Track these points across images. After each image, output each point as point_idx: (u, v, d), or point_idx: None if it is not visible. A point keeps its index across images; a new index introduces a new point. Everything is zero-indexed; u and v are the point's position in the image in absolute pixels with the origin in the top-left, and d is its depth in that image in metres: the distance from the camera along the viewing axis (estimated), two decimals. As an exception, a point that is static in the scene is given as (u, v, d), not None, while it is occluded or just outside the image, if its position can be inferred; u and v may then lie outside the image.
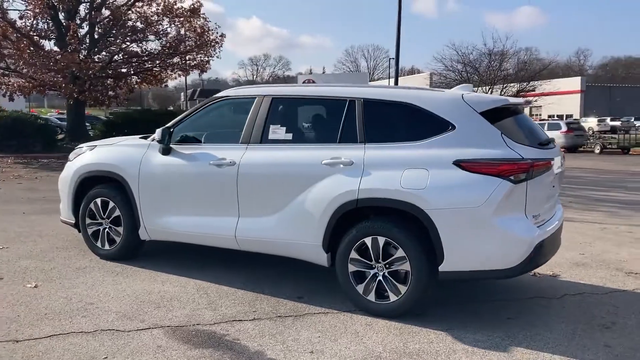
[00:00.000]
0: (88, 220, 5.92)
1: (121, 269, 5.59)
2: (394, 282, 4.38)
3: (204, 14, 22.17)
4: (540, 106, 41.73)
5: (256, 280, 5.33)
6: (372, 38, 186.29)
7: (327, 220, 4.57)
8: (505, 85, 37.09)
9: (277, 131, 4.96)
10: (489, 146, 4.21)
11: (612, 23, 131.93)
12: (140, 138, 5.97)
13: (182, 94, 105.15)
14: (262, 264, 5.74)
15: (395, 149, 4.44)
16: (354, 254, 4.52)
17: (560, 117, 61.29)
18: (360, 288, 4.51)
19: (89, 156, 5.94)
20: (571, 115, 63.95)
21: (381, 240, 4.39)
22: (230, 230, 5.08)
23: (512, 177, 4.09)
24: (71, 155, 6.27)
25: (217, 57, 23.27)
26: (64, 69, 18.72)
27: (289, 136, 4.92)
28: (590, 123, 44.02)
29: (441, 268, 4.23)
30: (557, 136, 28.86)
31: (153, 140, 5.57)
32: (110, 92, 21.52)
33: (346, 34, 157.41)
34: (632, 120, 58.45)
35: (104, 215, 5.81)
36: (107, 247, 5.84)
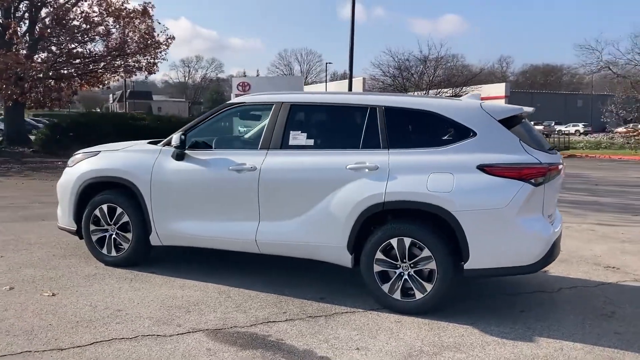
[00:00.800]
0: (92, 227, 5.84)
1: (133, 275, 5.56)
2: (420, 280, 4.62)
3: (153, 15, 21.79)
4: None
5: (273, 282, 5.44)
6: (305, 42, 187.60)
7: (352, 223, 4.76)
8: (439, 91, 38.25)
9: (298, 137, 5.11)
10: (509, 152, 4.54)
11: (531, 32, 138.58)
12: (148, 143, 5.95)
13: (111, 95, 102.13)
14: (275, 266, 5.86)
15: (419, 155, 4.69)
16: (379, 255, 4.73)
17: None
18: (385, 287, 4.73)
19: (93, 162, 5.86)
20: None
21: (407, 241, 4.63)
22: (250, 234, 5.17)
23: (532, 181, 4.43)
24: (70, 162, 6.17)
25: (164, 59, 22.91)
26: (6, 70, 17.90)
27: (310, 142, 5.08)
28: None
29: (466, 266, 4.52)
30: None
31: (164, 145, 5.59)
32: (54, 94, 20.71)
33: (277, 37, 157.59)
34: (553, 124, 61.81)
35: (111, 221, 5.75)
36: (113, 253, 5.79)
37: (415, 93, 39.24)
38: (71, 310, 4.58)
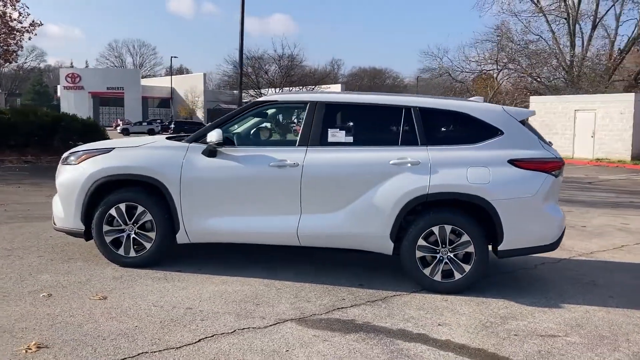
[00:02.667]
0: (106, 228, 5.57)
1: (162, 274, 5.43)
2: (459, 262, 5.22)
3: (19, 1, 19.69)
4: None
5: (304, 273, 5.68)
6: (134, 33, 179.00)
7: (397, 213, 5.21)
8: (290, 89, 39.36)
9: (337, 134, 5.42)
10: (531, 148, 5.31)
11: (357, 37, 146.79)
12: (167, 139, 5.82)
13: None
14: (292, 258, 6.08)
15: (456, 151, 5.28)
16: (421, 242, 5.23)
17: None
18: (427, 271, 5.25)
19: (108, 159, 5.58)
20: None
21: (448, 228, 5.20)
22: (291, 228, 5.37)
23: (553, 173, 5.25)
24: (71, 160, 5.80)
25: (20, 47, 20.83)
26: None
27: (350, 139, 5.42)
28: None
29: (500, 247, 5.21)
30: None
31: (192, 142, 5.55)
32: None
33: (100, 28, 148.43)
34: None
35: (130, 220, 5.55)
36: (132, 254, 5.58)
37: (268, 90, 39.96)
38: (142, 312, 4.45)
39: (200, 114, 73.58)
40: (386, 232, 5.26)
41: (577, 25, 37.82)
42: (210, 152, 5.42)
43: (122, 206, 5.53)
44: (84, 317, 4.31)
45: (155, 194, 5.52)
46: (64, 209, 5.68)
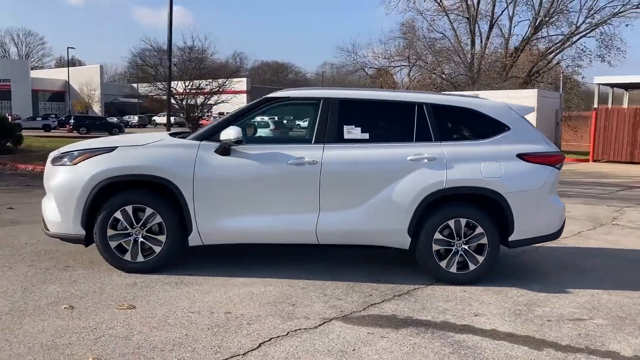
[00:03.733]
0: (111, 232, 5.22)
1: (175, 279, 5.18)
2: (473, 254, 5.40)
3: None
4: (212, 105, 42.90)
5: (319, 271, 5.63)
6: (20, 21, 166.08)
7: (414, 208, 5.31)
8: (210, 81, 38.31)
9: (352, 131, 5.42)
10: (536, 142, 5.58)
11: (260, 31, 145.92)
12: (170, 135, 5.54)
13: None
14: (300, 257, 6.01)
15: (468, 146, 5.45)
16: (437, 235, 5.37)
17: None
18: (443, 263, 5.39)
19: (112, 159, 5.21)
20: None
21: (463, 221, 5.36)
22: (310, 226, 5.31)
23: (557, 166, 5.56)
24: (53, 161, 5.39)
25: None
26: None
27: (365, 136, 5.43)
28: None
29: (511, 238, 5.45)
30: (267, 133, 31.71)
31: (202, 139, 5.33)
32: None
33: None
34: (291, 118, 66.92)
35: (137, 223, 5.24)
36: (140, 259, 5.27)
37: (179, 83, 38.65)
38: (182, 320, 4.24)
39: (97, 108, 70.12)
40: (404, 227, 5.34)
41: (476, 25, 39.91)
42: (224, 150, 5.23)
43: (129, 209, 5.22)
44: (124, 328, 4.03)
45: (165, 195, 5.25)
46: (60, 213, 5.25)
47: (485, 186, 5.33)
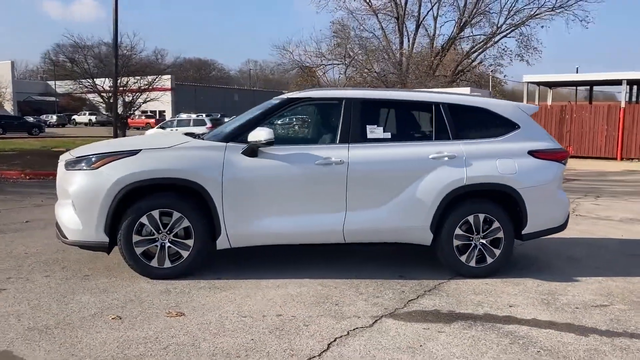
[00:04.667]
0: (136, 238, 5.05)
1: (206, 283, 5.09)
2: (491, 247, 5.64)
3: None
4: (141, 103, 41.49)
5: (346, 270, 5.68)
6: None
7: (437, 205, 5.47)
8: (138, 79, 37.18)
9: (375, 131, 5.51)
10: (543, 140, 5.89)
11: (180, 27, 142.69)
12: (186, 135, 5.45)
13: None
14: (314, 257, 6.03)
15: (484, 144, 5.67)
16: (458, 231, 5.56)
17: (153, 113, 64.34)
18: (463, 258, 5.59)
19: (137, 162, 5.03)
20: (164, 112, 67.83)
21: (481, 216, 5.58)
22: (337, 225, 5.36)
23: (563, 162, 5.89)
24: (67, 166, 5.16)
25: None
26: None
27: (387, 135, 5.53)
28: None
29: (524, 231, 5.72)
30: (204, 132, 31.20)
31: (229, 140, 5.26)
32: None
33: None
34: (219, 116, 66.10)
35: (164, 228, 5.09)
36: (167, 264, 5.12)
37: (105, 80, 37.21)
38: (240, 325, 4.19)
39: (8, 107, 66.16)
40: (427, 224, 5.49)
41: (404, 25, 40.95)
42: (252, 151, 5.18)
43: (156, 213, 5.06)
44: (186, 336, 3.94)
45: (193, 198, 5.13)
46: (81, 220, 5.02)
47: (502, 182, 5.57)
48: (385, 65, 41.24)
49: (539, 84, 26.45)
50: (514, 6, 39.90)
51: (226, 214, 5.15)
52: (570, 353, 3.90)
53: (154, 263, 5.11)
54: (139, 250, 5.08)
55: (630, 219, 9.40)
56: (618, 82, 24.16)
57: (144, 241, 5.08)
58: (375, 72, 39.16)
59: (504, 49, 41.24)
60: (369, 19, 40.87)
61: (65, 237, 5.13)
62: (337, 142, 5.43)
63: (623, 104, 23.08)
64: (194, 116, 39.12)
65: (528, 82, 25.71)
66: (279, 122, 5.54)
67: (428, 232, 5.52)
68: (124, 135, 33.68)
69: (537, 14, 39.81)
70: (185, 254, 5.15)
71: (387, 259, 6.17)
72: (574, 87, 28.89)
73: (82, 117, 65.83)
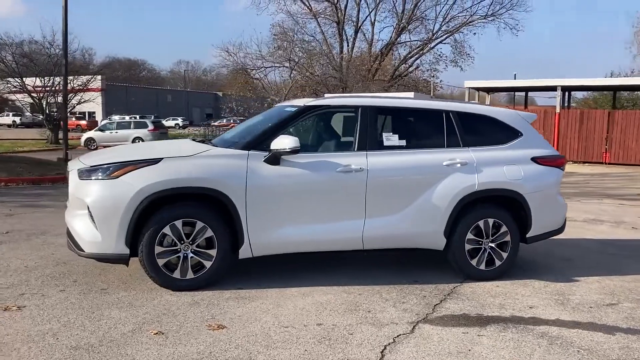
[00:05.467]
0: (159, 249, 4.89)
1: (232, 294, 5.00)
2: (499, 251, 5.83)
3: None
4: (75, 104, 39.85)
5: (361, 277, 5.71)
6: None
7: (451, 211, 5.61)
8: (73, 78, 35.56)
9: (391, 138, 5.58)
10: (543, 147, 6.15)
11: (107, 26, 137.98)
12: (200, 143, 5.41)
13: None
14: (337, 263, 6.04)
15: (492, 151, 5.86)
16: (469, 235, 5.72)
17: (83, 115, 62.03)
18: (474, 261, 5.75)
19: (160, 171, 4.87)
20: (94, 113, 65.48)
21: (490, 221, 5.76)
22: (357, 232, 5.40)
23: (562, 167, 6.17)
24: (81, 175, 4.96)
25: None
26: None
27: (403, 142, 5.62)
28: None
29: (529, 235, 5.95)
30: (145, 134, 30.36)
31: (250, 149, 5.19)
32: None
33: None
34: (153, 118, 64.50)
35: (188, 239, 4.96)
36: (190, 276, 4.99)
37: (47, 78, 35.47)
38: (285, 336, 4.15)
39: None
40: (441, 229, 5.62)
41: (344, 29, 41.44)
42: (275, 159, 5.14)
43: (179, 223, 4.92)
44: (239, 350, 3.87)
45: (216, 207, 5.03)
46: (101, 231, 4.81)
47: (510, 188, 5.77)
48: (326, 69, 41.53)
49: (478, 89, 27.41)
50: (448, 13, 41.20)
51: (249, 223, 5.08)
52: (608, 352, 4.10)
53: (177, 274, 4.97)
54: (161, 262, 4.92)
55: (592, 219, 9.92)
56: (553, 88, 25.41)
57: (166, 252, 4.94)
58: (317, 75, 39.30)
59: (439, 55, 42.57)
60: (309, 22, 41.13)
61: (81, 250, 4.91)
62: (356, 149, 5.47)
63: (558, 109, 24.29)
64: (127, 117, 37.93)
65: (469, 88, 26.59)
66: (291, 129, 5.50)
67: (442, 237, 5.64)
68: (57, 138, 32.36)
69: (470, 22, 41.32)
70: (208, 264, 5.04)
71: (397, 265, 6.24)
72: (512, 93, 30.11)
73: (4, 119, 62.51)
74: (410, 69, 43.67)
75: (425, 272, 5.96)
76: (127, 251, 4.85)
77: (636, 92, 31.02)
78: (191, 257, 5.01)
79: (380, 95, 17.06)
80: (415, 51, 42.64)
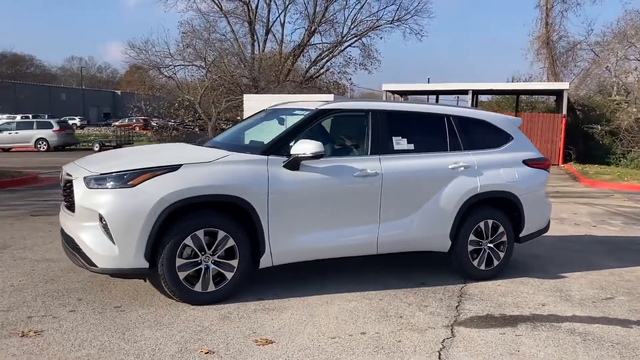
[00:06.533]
0: (180, 261, 4.60)
1: (258, 306, 4.80)
2: (497, 251, 6.02)
3: None
4: None
5: (371, 282, 5.67)
6: None
7: (456, 213, 5.72)
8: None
9: (400, 142, 5.59)
10: (531, 150, 6.42)
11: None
12: (199, 146, 5.33)
13: None
14: (342, 269, 5.95)
15: (489, 154, 6.04)
16: (472, 237, 5.86)
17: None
18: (475, 262, 5.90)
19: (182, 178, 4.55)
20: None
21: (490, 222, 5.94)
22: (372, 237, 5.37)
23: (548, 169, 6.47)
24: (89, 184, 4.57)
25: None
26: None
27: (411, 146, 5.65)
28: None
29: (521, 235, 6.19)
30: (50, 135, 28.48)
31: (269, 154, 5.00)
32: None
33: None
34: (47, 117, 60.58)
35: (209, 249, 4.70)
36: (211, 288, 4.73)
37: None
38: (338, 347, 4.04)
39: None
40: (447, 231, 5.71)
41: (255, 29, 41.12)
42: (295, 164, 4.99)
43: (200, 233, 4.65)
44: (304, 367, 3.72)
45: (236, 215, 4.81)
46: (118, 244, 4.43)
47: (506, 190, 5.98)
48: (237, 69, 40.99)
49: (394, 92, 28.19)
50: (356, 17, 42.04)
51: (271, 231, 4.90)
52: (637, 344, 4.35)
53: (198, 287, 4.69)
54: (182, 275, 4.62)
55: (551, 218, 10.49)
56: (465, 92, 26.64)
57: (187, 264, 4.64)
58: (229, 75, 38.64)
59: (349, 58, 43.32)
60: (220, 21, 40.41)
61: (93, 265, 4.50)
62: (369, 153, 5.43)
63: (471, 112, 25.48)
64: (18, 117, 35.57)
65: (386, 91, 27.28)
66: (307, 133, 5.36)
67: (448, 239, 5.74)
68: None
69: (377, 26, 42.44)
70: (229, 275, 4.80)
71: (395, 268, 6.25)
72: (426, 96, 31.24)
73: None
74: (322, 71, 44.08)
75: (425, 274, 6.03)
76: (146, 265, 4.52)
77: (534, 96, 33.25)
78: (213, 268, 4.75)
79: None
80: (325, 53, 43.11)
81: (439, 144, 5.88)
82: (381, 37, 49.38)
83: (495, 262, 5.99)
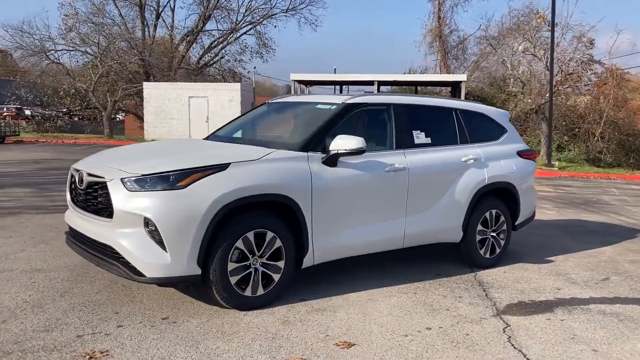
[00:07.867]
0: (232, 266, 4.32)
1: (307, 306, 4.65)
2: (499, 239, 6.28)
3: None
4: None
5: (394, 276, 5.66)
6: None
7: (468, 204, 5.90)
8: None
9: (420, 136, 5.64)
10: (519, 142, 6.73)
11: None
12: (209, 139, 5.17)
13: None
14: (361, 265, 5.88)
15: (490, 146, 6.26)
16: (480, 227, 6.07)
17: None
18: (482, 251, 6.12)
19: (233, 179, 4.27)
20: None
21: (494, 212, 6.19)
22: (400, 231, 5.39)
23: (535, 160, 6.83)
24: (129, 185, 4.19)
25: None
26: None
27: (428, 140, 5.71)
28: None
29: (516, 223, 6.51)
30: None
31: (309, 150, 4.83)
32: None
33: None
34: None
35: (258, 251, 4.46)
36: (260, 292, 4.50)
37: None
38: (414, 346, 4.02)
39: None
40: (460, 223, 5.87)
41: (144, 14, 39.25)
42: (334, 160, 4.86)
43: (251, 235, 4.40)
44: (401, 365, 3.66)
45: (287, 214, 4.61)
46: (170, 251, 4.07)
47: (507, 180, 6.25)
48: (127, 56, 38.91)
49: (301, 82, 28.27)
50: (251, 4, 41.46)
51: (315, 229, 4.75)
52: (664, 320, 4.75)
53: (248, 292, 4.45)
54: (233, 280, 4.36)
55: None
56: (371, 83, 27.31)
57: (238, 268, 4.38)
58: (120, 62, 36.55)
59: (245, 46, 42.66)
60: (107, 4, 38.09)
61: (141, 275, 4.11)
62: (394, 148, 5.42)
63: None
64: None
65: (294, 80, 27.28)
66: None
67: (461, 230, 5.89)
68: None
69: (272, 14, 42.13)
70: (276, 277, 4.60)
71: (409, 260, 6.29)
72: (332, 86, 31.61)
73: None
74: (216, 59, 43.04)
75: (434, 265, 6.15)
76: (199, 271, 4.21)
77: (429, 87, 34.83)
78: (262, 271, 4.52)
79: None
80: (220, 40, 42.12)
81: (451, 137, 6.00)
82: (275, 26, 49.17)
83: (497, 250, 6.24)
